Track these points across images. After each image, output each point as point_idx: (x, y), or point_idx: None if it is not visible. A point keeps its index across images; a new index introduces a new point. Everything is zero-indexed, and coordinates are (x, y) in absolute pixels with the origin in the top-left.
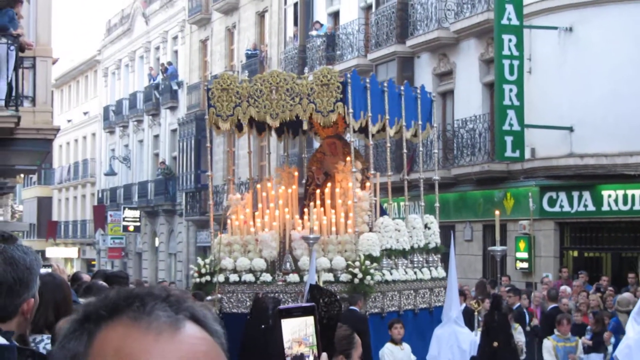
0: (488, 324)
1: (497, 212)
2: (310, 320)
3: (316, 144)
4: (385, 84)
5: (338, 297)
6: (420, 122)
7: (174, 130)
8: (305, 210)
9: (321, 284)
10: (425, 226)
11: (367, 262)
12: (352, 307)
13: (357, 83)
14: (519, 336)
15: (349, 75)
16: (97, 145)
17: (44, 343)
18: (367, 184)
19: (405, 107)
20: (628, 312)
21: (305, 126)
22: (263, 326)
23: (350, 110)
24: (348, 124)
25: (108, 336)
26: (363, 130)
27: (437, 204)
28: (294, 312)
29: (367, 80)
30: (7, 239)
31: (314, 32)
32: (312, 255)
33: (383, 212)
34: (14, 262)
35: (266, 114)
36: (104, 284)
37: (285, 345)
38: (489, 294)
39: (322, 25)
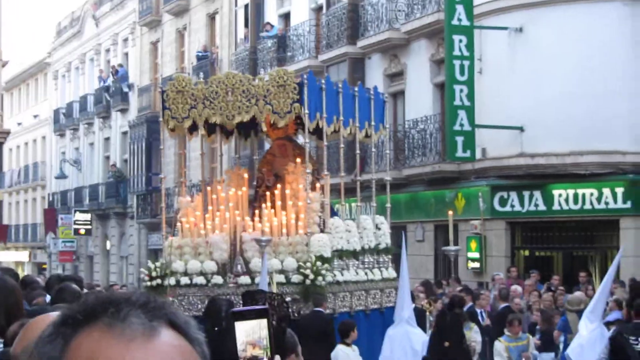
0: (439, 323)
1: (450, 212)
2: (264, 322)
3: (267, 146)
4: (340, 85)
5: (288, 298)
6: (373, 123)
7: (124, 133)
8: (256, 212)
9: (273, 285)
10: (376, 227)
11: (319, 263)
12: (317, 309)
13: (313, 84)
14: (475, 335)
15: (305, 77)
16: (48, 148)
17: None
18: (318, 185)
19: (359, 108)
20: (578, 311)
21: (264, 127)
22: (216, 329)
23: (306, 111)
24: (298, 126)
25: (83, 341)
26: (314, 132)
27: (388, 205)
28: (248, 314)
29: (323, 82)
30: None
31: (264, 34)
32: (263, 258)
33: (334, 214)
34: None
35: (222, 115)
36: (76, 287)
37: (239, 347)
38: (436, 294)
39: (272, 26)
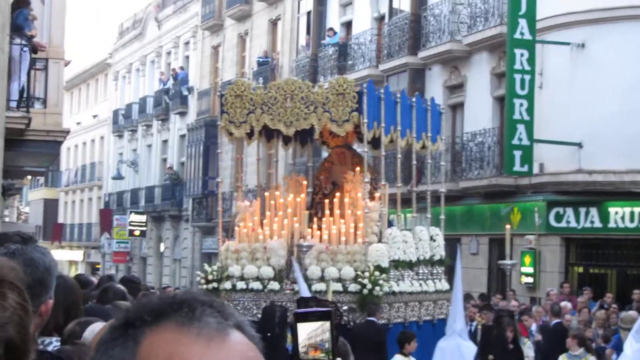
0: (485, 337)
1: (507, 226)
2: (326, 325)
3: (324, 154)
4: (398, 95)
5: (344, 307)
6: (429, 134)
7: (182, 136)
8: (314, 219)
9: (329, 294)
10: (431, 238)
11: (377, 273)
12: (370, 318)
13: (372, 93)
14: (529, 351)
15: (364, 86)
16: (105, 149)
17: (52, 346)
18: (376, 194)
19: (416, 119)
20: (630, 330)
21: (316, 135)
22: (269, 334)
23: (365, 120)
24: (358, 134)
25: (155, 342)
26: (372, 141)
27: (442, 217)
28: (311, 316)
29: (382, 91)
30: (26, 240)
31: (327, 40)
32: (293, 265)
33: (390, 224)
34: (33, 263)
35: (280, 121)
36: (121, 287)
37: (301, 350)
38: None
39: (335, 32)
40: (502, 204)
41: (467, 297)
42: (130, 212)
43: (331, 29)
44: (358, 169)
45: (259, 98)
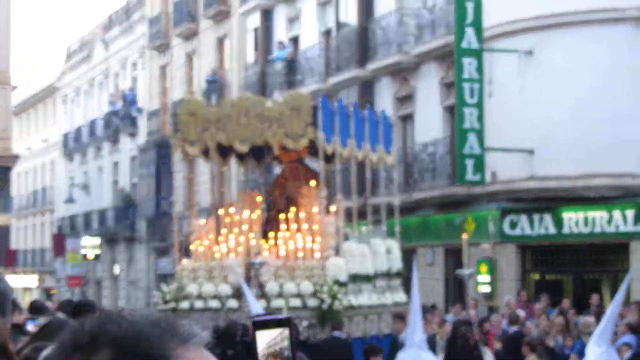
0: (450, 348)
1: (464, 236)
2: (285, 332)
3: (275, 170)
4: (351, 109)
5: (304, 322)
6: (382, 147)
7: (133, 157)
8: (270, 235)
9: (285, 310)
10: (387, 251)
11: (335, 287)
12: (335, 333)
13: (327, 107)
14: None
15: (319, 100)
16: (57, 173)
17: None
18: (331, 208)
19: (369, 132)
20: (591, 334)
21: (276, 151)
22: (229, 352)
23: (322, 134)
24: (310, 149)
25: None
26: (325, 155)
27: (397, 228)
28: (269, 323)
29: (335, 105)
30: None
31: (277, 53)
32: (242, 282)
33: (346, 237)
34: None
35: (235, 138)
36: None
37: (260, 358)
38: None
39: (285, 46)
40: (456, 213)
41: (432, 308)
42: (84, 236)
43: (281, 42)
44: (313, 183)
45: (213, 115)
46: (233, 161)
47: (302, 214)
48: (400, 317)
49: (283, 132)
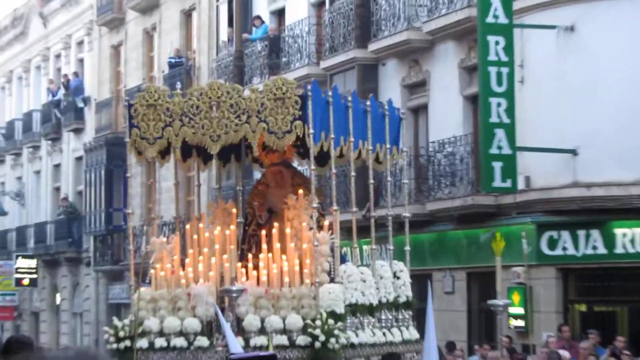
0: None
1: (498, 258)
2: None
3: (256, 175)
4: (349, 98)
5: None
6: (387, 146)
7: (79, 159)
8: (248, 255)
9: (271, 349)
10: (394, 275)
11: (330, 321)
12: None
13: (318, 97)
14: None
15: (309, 88)
16: None
17: None
18: (325, 222)
19: (372, 127)
20: None
21: (256, 151)
22: None
23: (311, 130)
24: (298, 149)
25: None
26: (317, 156)
27: (407, 248)
28: None
29: (329, 94)
30: None
31: (250, 35)
32: (218, 314)
33: (343, 259)
34: None
35: (204, 135)
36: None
37: None
38: None
39: (262, 22)
40: (481, 229)
41: (451, 345)
42: (17, 256)
43: (257, 17)
44: (301, 191)
45: (178, 107)
46: (202, 164)
47: (288, 230)
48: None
49: (264, 128)
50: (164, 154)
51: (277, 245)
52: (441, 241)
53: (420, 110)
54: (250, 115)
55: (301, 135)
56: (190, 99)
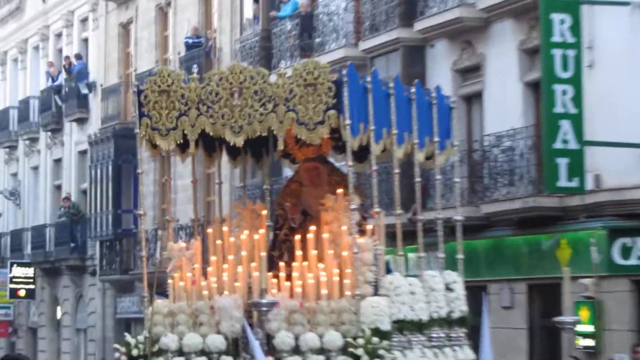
0: None
1: (564, 268)
2: None
3: (286, 172)
4: (391, 85)
5: None
6: (436, 139)
7: (82, 152)
8: (280, 264)
9: None
10: (447, 287)
11: (375, 339)
12: None
13: (354, 83)
14: None
15: (344, 72)
16: None
17: None
18: (367, 226)
19: (418, 118)
20: None
21: (280, 144)
22: None
23: (347, 121)
24: (336, 142)
25: None
26: (357, 151)
27: (460, 256)
28: None
29: (368, 79)
30: None
31: (279, 10)
32: (247, 330)
33: (388, 268)
34: None
35: (225, 126)
36: None
37: None
38: None
39: None
40: (544, 234)
41: None
42: (12, 264)
43: None
44: (340, 190)
45: (194, 94)
46: (225, 159)
47: (325, 235)
48: None
49: (293, 118)
50: (183, 147)
51: (313, 252)
52: (498, 248)
53: (473, 99)
54: (278, 103)
55: (336, 127)
56: (208, 84)
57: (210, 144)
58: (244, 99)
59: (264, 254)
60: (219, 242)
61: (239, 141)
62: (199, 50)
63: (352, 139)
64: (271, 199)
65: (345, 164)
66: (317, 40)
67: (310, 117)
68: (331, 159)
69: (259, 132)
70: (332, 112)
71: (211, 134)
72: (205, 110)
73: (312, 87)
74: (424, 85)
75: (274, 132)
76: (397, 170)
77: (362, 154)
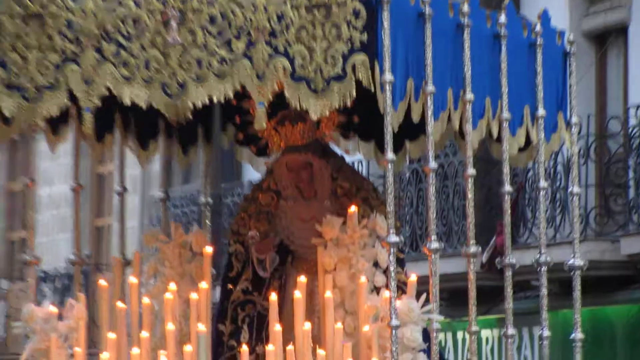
0: None
1: None
2: None
3: (250, 173)
4: (466, 9)
5: None
6: (541, 112)
7: None
8: (242, 347)
9: None
10: None
11: None
12: None
13: (401, 4)
14: None
15: None
16: None
17: None
18: (411, 277)
19: (509, 70)
20: None
21: (261, 120)
22: None
23: (389, 76)
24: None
25: None
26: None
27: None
28: None
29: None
30: None
31: None
32: None
33: (441, 355)
34: None
35: (150, 85)
36: None
37: None
38: None
39: None
40: None
41: None
42: None
43: None
44: (353, 209)
45: (92, 22)
46: (138, 147)
47: (327, 294)
48: None
49: (286, 69)
50: (58, 123)
51: (305, 327)
52: None
53: (610, 39)
54: (255, 41)
55: (367, 86)
56: (120, 3)
57: (105, 119)
58: (190, 31)
59: (203, 328)
60: (121, 304)
61: (174, 112)
62: None
63: (393, 111)
64: (219, 222)
65: (364, 156)
66: None
67: (320, 66)
68: (336, 149)
69: (215, 97)
70: (360, 56)
71: (119, 95)
72: (114, 52)
73: (324, 9)
74: (520, 12)
75: (250, 98)
76: (471, 171)
77: (395, 139)
